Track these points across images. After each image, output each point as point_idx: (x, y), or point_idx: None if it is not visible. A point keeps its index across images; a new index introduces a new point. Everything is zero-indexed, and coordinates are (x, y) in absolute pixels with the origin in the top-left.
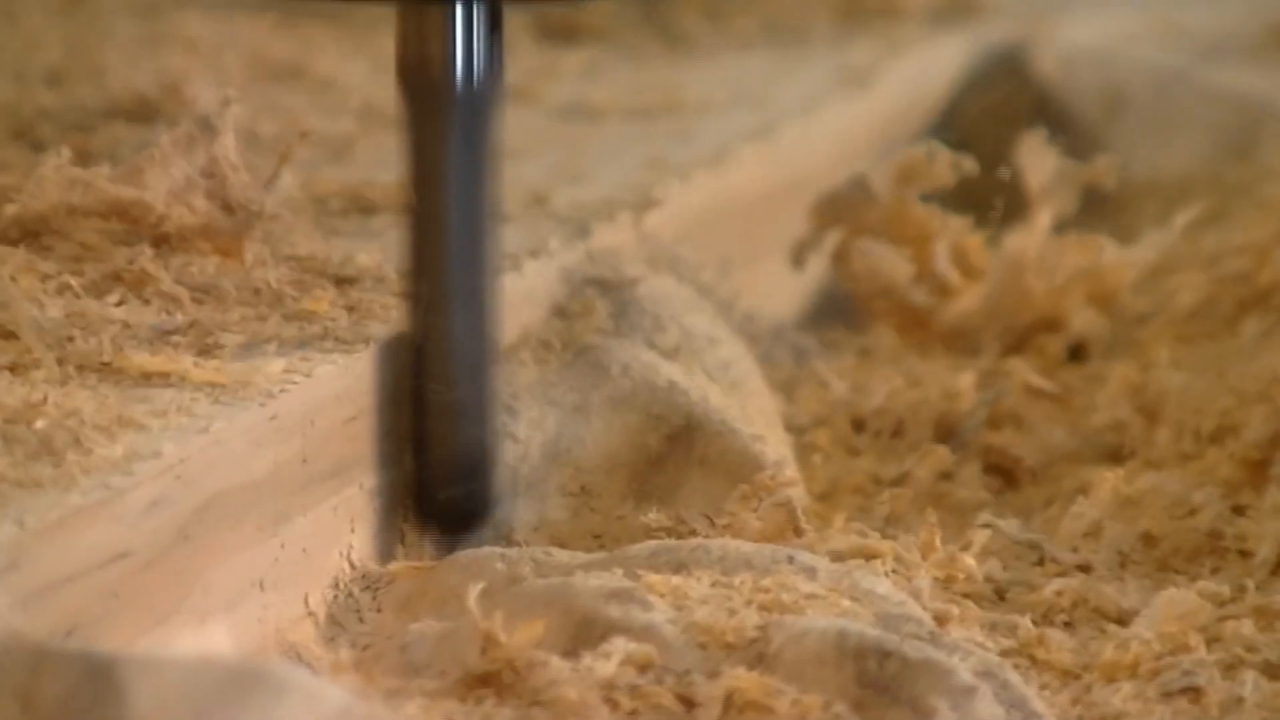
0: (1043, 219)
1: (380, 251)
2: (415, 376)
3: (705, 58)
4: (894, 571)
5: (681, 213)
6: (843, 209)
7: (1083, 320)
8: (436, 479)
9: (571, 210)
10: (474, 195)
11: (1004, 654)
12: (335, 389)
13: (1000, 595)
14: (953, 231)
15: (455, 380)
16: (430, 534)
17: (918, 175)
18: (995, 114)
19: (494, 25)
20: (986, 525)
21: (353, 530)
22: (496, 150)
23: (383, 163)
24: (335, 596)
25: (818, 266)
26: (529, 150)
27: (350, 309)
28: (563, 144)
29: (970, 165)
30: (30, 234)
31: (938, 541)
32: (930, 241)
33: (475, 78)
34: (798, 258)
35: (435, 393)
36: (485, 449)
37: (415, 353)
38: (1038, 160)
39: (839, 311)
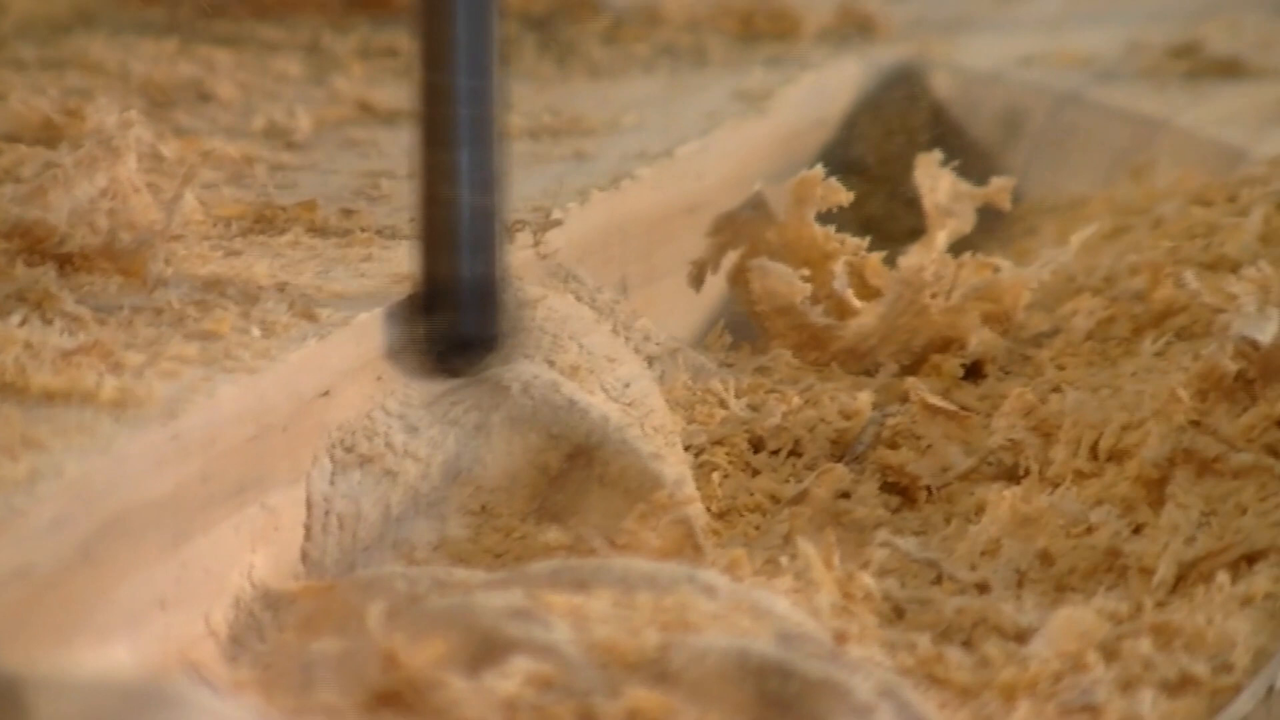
0: (940, 239)
1: (282, 271)
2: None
3: (603, 81)
4: (793, 590)
5: (581, 233)
6: (740, 229)
7: (979, 339)
8: (444, 314)
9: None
10: (481, 27)
11: (903, 672)
12: (237, 408)
13: (899, 614)
14: (850, 251)
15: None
16: (444, 373)
17: (814, 196)
18: (893, 135)
19: None
20: (885, 544)
21: (254, 549)
22: None
23: (284, 184)
24: (237, 615)
25: (716, 286)
26: None
27: (252, 329)
28: None
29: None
30: None
31: (836, 560)
32: (828, 261)
33: None
34: (696, 278)
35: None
36: (492, 280)
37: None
38: (934, 181)
39: (737, 331)
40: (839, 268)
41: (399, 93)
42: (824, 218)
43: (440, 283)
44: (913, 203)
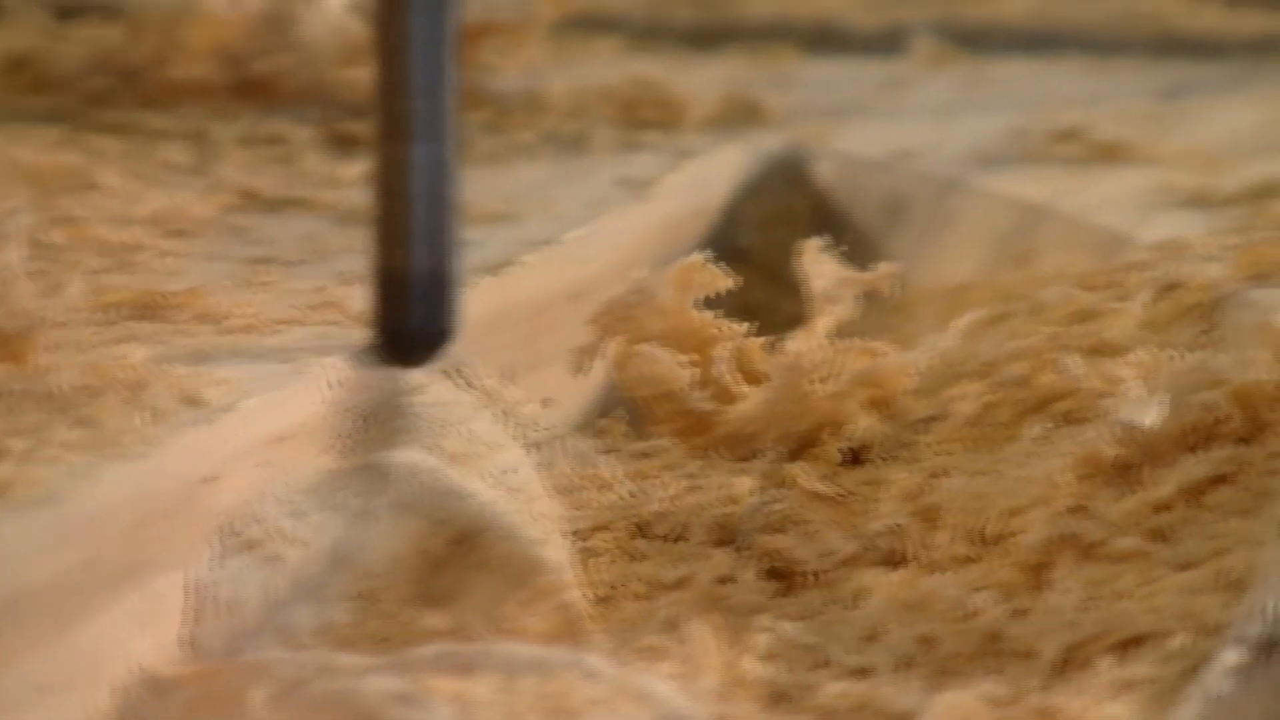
0: (823, 324)
1: (168, 357)
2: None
3: (487, 168)
4: (676, 675)
5: (465, 319)
6: (623, 316)
7: (862, 425)
8: (397, 307)
9: (354, 317)
10: (438, 23)
11: None
12: (121, 494)
13: (782, 698)
14: (732, 337)
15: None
16: (396, 365)
17: (697, 282)
18: (777, 221)
19: None
20: (767, 629)
21: (139, 635)
22: None
23: (170, 271)
24: (121, 701)
25: (599, 373)
26: (310, 258)
27: (137, 415)
28: (345, 252)
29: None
30: None
31: (719, 645)
32: (710, 347)
33: None
34: (579, 364)
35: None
36: (444, 274)
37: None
38: (818, 267)
39: (621, 418)
40: (721, 354)
41: (283, 180)
42: (707, 304)
43: (394, 275)
44: (795, 289)
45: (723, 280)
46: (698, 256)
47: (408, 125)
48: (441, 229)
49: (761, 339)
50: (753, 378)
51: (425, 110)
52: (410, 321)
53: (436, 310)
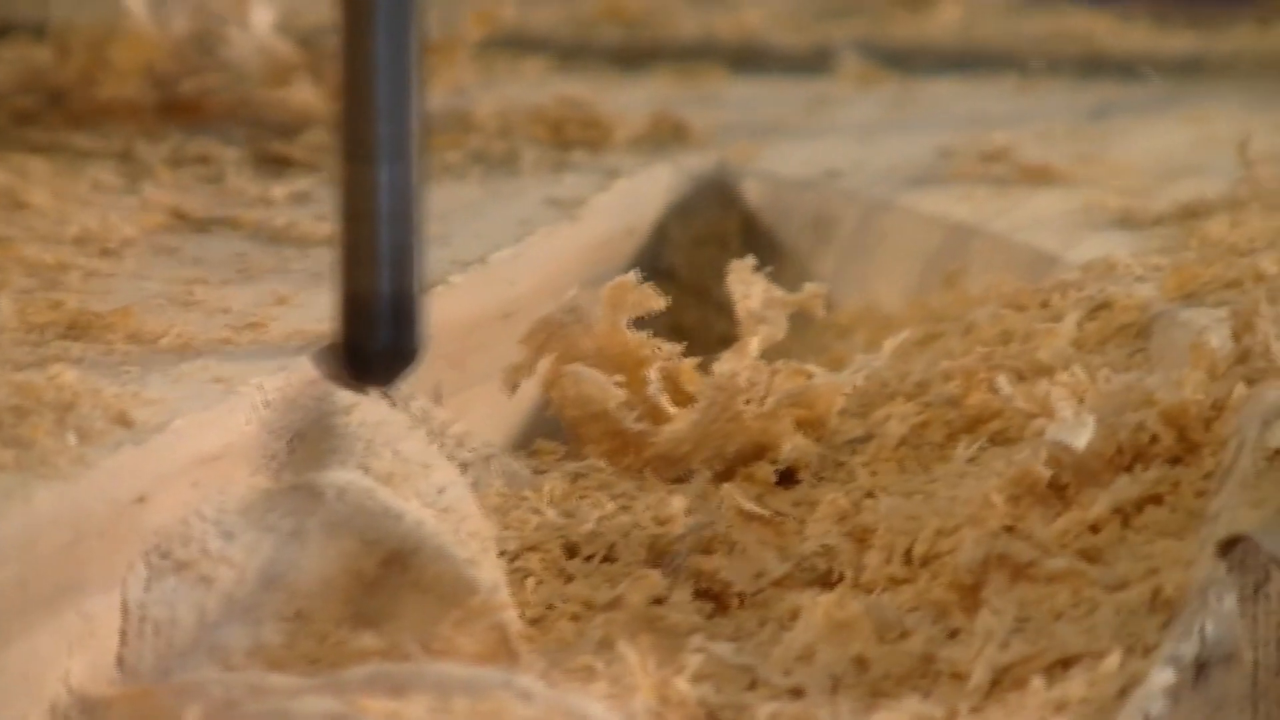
0: (753, 345)
1: (98, 377)
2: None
3: None
4: (609, 695)
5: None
6: (555, 335)
7: (793, 445)
8: (362, 327)
9: (285, 336)
10: (401, 48)
11: None
12: (52, 514)
13: (714, 719)
14: (664, 357)
15: (380, 222)
16: (363, 384)
17: (628, 302)
18: (705, 241)
19: None
20: (699, 649)
21: (71, 655)
22: None
23: (99, 291)
24: None
25: (530, 392)
26: (239, 278)
27: (67, 435)
28: (275, 272)
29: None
30: None
31: (652, 665)
32: (641, 367)
33: None
34: (509, 384)
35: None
36: (409, 294)
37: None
38: (747, 287)
39: (552, 437)
40: (653, 374)
41: (212, 200)
42: (638, 324)
43: (359, 296)
44: (725, 309)
45: (654, 300)
46: (630, 276)
47: (371, 148)
48: (406, 250)
49: (693, 359)
50: (683, 398)
51: (389, 133)
52: (376, 342)
53: (402, 330)
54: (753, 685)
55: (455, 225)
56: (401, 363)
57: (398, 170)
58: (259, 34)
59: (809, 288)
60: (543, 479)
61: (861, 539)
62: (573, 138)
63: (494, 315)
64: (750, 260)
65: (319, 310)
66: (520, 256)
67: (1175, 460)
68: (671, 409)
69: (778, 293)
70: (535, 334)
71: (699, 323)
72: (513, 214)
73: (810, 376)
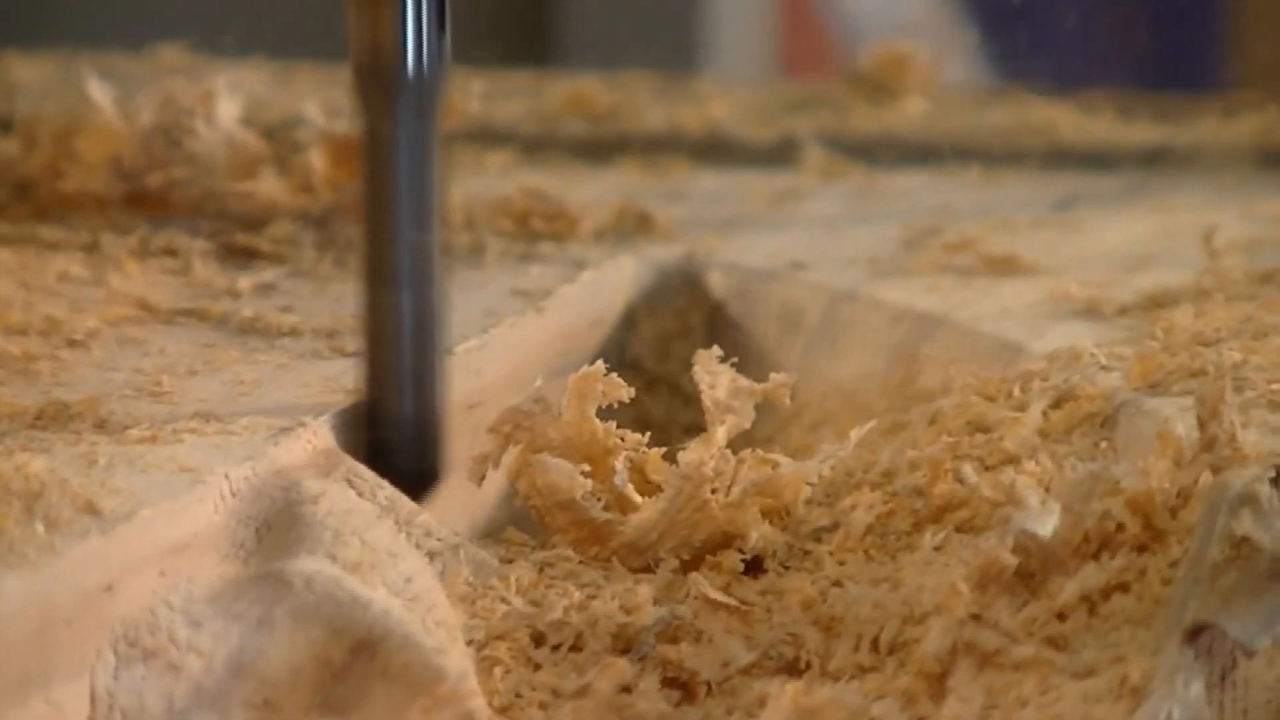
0: (719, 434)
1: (65, 466)
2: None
3: None
4: None
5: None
6: (522, 425)
7: (759, 534)
8: (384, 449)
9: (248, 428)
10: (422, 178)
11: None
12: (20, 602)
13: None
14: (630, 446)
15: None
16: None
17: (595, 391)
18: (672, 333)
19: (440, 19)
20: None
21: None
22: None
23: (66, 382)
24: None
25: (497, 482)
26: (206, 369)
27: (35, 523)
28: (241, 363)
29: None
30: None
31: None
32: (608, 457)
33: (424, 66)
34: (476, 474)
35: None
36: (433, 416)
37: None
38: (713, 377)
39: (520, 527)
40: (619, 463)
41: (178, 292)
42: (604, 414)
43: (382, 419)
44: (692, 400)
45: (621, 390)
46: (597, 366)
47: (394, 272)
48: (428, 373)
49: (659, 449)
50: (650, 488)
51: (411, 258)
52: (398, 463)
53: (424, 452)
54: None
55: None
56: (425, 484)
57: (420, 295)
58: (224, 127)
59: (775, 377)
60: (510, 568)
61: (828, 627)
62: (538, 230)
63: (460, 405)
64: (716, 350)
65: (287, 398)
66: (486, 347)
67: (1141, 548)
68: (638, 498)
69: (744, 382)
70: (502, 424)
71: (665, 414)
72: (478, 305)
73: (776, 466)
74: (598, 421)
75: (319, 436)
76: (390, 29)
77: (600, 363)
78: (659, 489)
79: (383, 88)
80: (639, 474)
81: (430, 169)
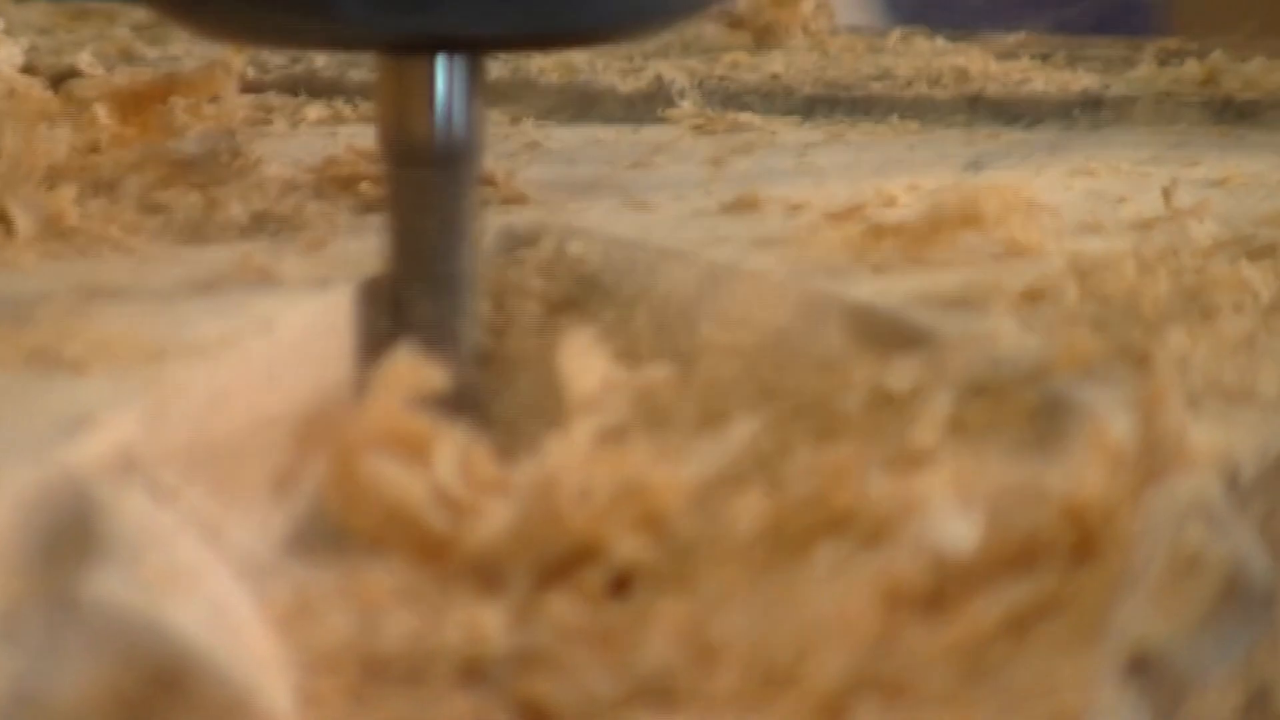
0: (582, 431)
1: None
2: None
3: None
4: None
5: (167, 440)
6: (330, 426)
7: (628, 547)
8: None
9: (49, 428)
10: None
11: None
12: None
13: None
14: (456, 442)
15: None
16: None
17: (404, 381)
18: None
19: (473, 86)
20: None
21: None
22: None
23: None
24: None
25: (312, 493)
26: None
27: None
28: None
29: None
30: None
31: None
32: (429, 452)
33: (454, 134)
34: (282, 486)
35: None
36: None
37: None
38: (582, 365)
39: (340, 542)
40: (443, 461)
41: None
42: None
43: None
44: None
45: (436, 377)
46: (405, 351)
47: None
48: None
49: (491, 445)
50: (484, 487)
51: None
52: None
53: None
54: None
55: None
56: None
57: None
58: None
59: (654, 369)
60: (334, 588)
61: (709, 655)
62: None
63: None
64: (588, 332)
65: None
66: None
67: (1075, 564)
68: (474, 502)
69: (620, 372)
70: (310, 428)
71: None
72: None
73: (647, 468)
74: (413, 413)
75: (118, 435)
76: (421, 97)
77: (409, 347)
78: (495, 488)
79: (412, 158)
80: (470, 473)
81: (465, 239)
